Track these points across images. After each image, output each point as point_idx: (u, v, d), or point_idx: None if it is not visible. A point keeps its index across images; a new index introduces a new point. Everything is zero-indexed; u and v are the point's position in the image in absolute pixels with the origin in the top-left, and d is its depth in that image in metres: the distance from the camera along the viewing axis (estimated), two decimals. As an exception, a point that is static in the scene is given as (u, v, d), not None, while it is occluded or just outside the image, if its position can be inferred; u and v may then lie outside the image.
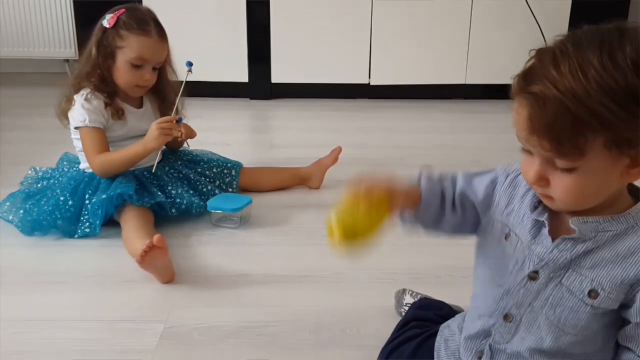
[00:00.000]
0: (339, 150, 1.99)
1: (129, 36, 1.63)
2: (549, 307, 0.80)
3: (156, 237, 1.35)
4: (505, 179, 0.88)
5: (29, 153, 2.21)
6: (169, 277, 1.41)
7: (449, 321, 1.01)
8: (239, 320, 1.27)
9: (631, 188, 0.79)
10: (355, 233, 0.82)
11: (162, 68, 1.74)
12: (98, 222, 1.59)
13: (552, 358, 0.83)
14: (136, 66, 1.65)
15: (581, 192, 0.73)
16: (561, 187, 0.73)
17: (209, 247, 1.59)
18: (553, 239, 0.80)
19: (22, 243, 1.59)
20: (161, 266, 1.39)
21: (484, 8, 2.98)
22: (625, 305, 0.77)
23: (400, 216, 0.90)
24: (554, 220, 0.81)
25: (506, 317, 0.84)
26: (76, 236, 1.60)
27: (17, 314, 1.29)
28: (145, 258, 1.34)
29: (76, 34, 3.25)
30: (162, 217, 1.66)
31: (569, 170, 0.71)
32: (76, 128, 1.67)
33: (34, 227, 1.60)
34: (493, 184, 0.89)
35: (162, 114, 1.82)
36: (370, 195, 0.83)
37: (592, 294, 0.76)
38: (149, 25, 1.65)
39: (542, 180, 0.74)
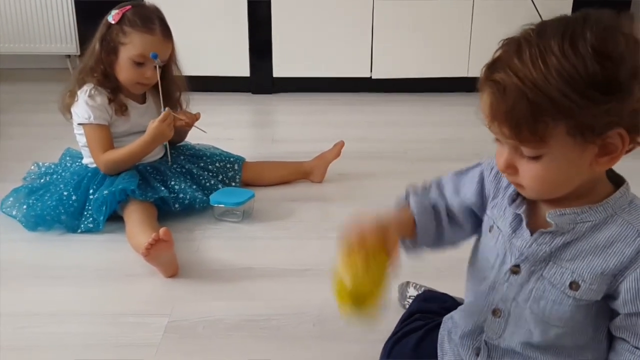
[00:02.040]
0: (341, 144, 1.99)
1: (133, 33, 1.63)
2: (532, 300, 0.80)
3: (162, 230, 1.36)
4: (490, 172, 0.89)
5: (32, 148, 2.21)
6: (173, 271, 1.42)
7: (452, 313, 1.01)
8: (243, 314, 1.27)
9: (611, 175, 0.78)
10: (363, 296, 0.79)
11: (167, 66, 1.73)
12: (102, 217, 1.59)
13: (544, 351, 0.83)
14: (138, 63, 1.64)
15: (549, 180, 0.73)
16: (529, 175, 0.73)
17: (212, 241, 1.60)
18: (532, 232, 0.79)
19: (26, 238, 1.59)
20: (166, 260, 1.40)
21: (485, 0, 2.97)
22: (611, 296, 0.76)
23: (402, 245, 0.89)
24: (532, 213, 0.81)
25: (494, 312, 0.85)
26: (79, 231, 1.60)
27: (21, 308, 1.29)
28: (151, 251, 1.34)
29: (77, 30, 3.25)
30: (165, 211, 1.67)
31: (535, 158, 0.72)
32: (80, 124, 1.67)
33: (37, 222, 1.60)
34: (481, 179, 0.90)
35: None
36: (364, 246, 0.80)
37: (573, 285, 0.76)
38: (154, 24, 1.64)
39: (510, 168, 0.75)
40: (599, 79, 0.66)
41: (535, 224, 0.80)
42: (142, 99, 1.77)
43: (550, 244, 0.78)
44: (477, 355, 0.89)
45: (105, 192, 1.58)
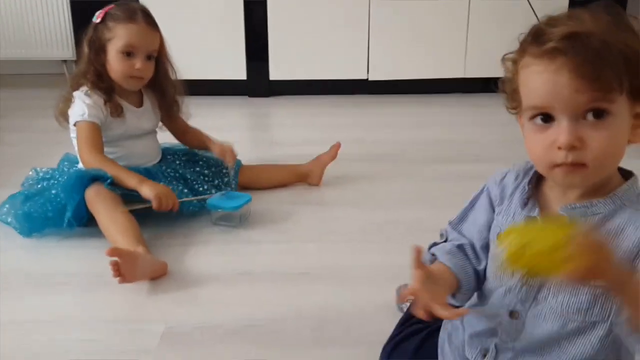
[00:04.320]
0: (338, 146, 1.98)
1: (116, 26, 1.64)
2: (552, 295, 0.79)
3: (107, 253, 1.31)
4: (494, 185, 0.89)
5: (30, 154, 2.21)
6: (160, 271, 1.41)
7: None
8: (241, 319, 1.26)
9: (622, 171, 0.80)
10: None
11: (159, 61, 1.73)
12: (71, 200, 1.55)
13: (558, 346, 0.81)
14: (126, 54, 1.64)
15: (615, 145, 0.73)
16: (598, 141, 0.71)
17: (210, 245, 1.59)
18: None
19: (22, 245, 1.59)
20: (144, 268, 1.37)
21: (481, 1, 2.97)
22: None
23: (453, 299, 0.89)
24: (544, 215, 0.81)
25: (512, 314, 0.83)
26: (65, 225, 1.57)
27: (18, 316, 1.28)
28: (122, 274, 1.31)
29: (74, 35, 3.25)
30: (163, 215, 1.65)
31: (601, 120, 0.71)
32: (75, 124, 1.66)
33: (27, 221, 1.58)
34: (488, 194, 0.90)
35: (162, 111, 1.82)
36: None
37: None
38: (136, 14, 1.65)
39: (578, 140, 0.71)
40: None
41: None
42: (139, 102, 1.77)
43: None
44: (484, 356, 0.88)
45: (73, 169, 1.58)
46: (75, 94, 1.67)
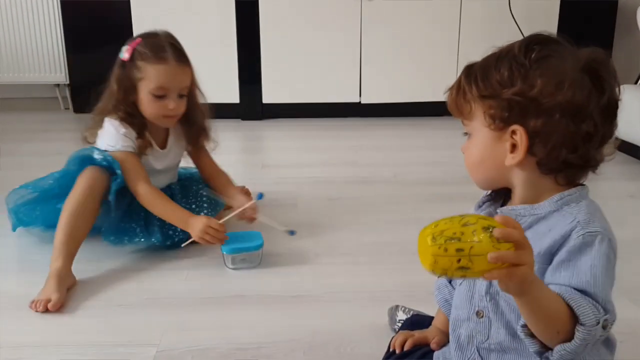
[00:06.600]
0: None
1: (146, 66, 1.56)
2: (499, 290, 0.83)
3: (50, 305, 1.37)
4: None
5: (22, 178, 2.18)
6: (72, 282, 1.47)
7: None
8: (233, 342, 1.25)
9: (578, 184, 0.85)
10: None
11: (190, 93, 1.66)
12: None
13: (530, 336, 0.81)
14: (159, 96, 1.58)
15: (470, 156, 0.87)
16: (465, 148, 0.89)
17: (201, 269, 1.58)
18: None
19: (13, 269, 1.58)
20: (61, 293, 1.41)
21: (472, 24, 3.02)
22: None
23: None
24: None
25: (478, 313, 0.88)
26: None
27: (9, 339, 1.27)
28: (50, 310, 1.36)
29: (66, 59, 3.26)
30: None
31: (468, 135, 0.87)
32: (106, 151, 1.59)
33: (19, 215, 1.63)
34: None
35: (189, 141, 1.75)
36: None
37: None
38: (165, 52, 1.57)
39: (463, 148, 0.90)
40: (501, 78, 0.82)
41: None
42: (163, 143, 1.70)
43: None
44: None
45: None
46: (107, 119, 1.60)
